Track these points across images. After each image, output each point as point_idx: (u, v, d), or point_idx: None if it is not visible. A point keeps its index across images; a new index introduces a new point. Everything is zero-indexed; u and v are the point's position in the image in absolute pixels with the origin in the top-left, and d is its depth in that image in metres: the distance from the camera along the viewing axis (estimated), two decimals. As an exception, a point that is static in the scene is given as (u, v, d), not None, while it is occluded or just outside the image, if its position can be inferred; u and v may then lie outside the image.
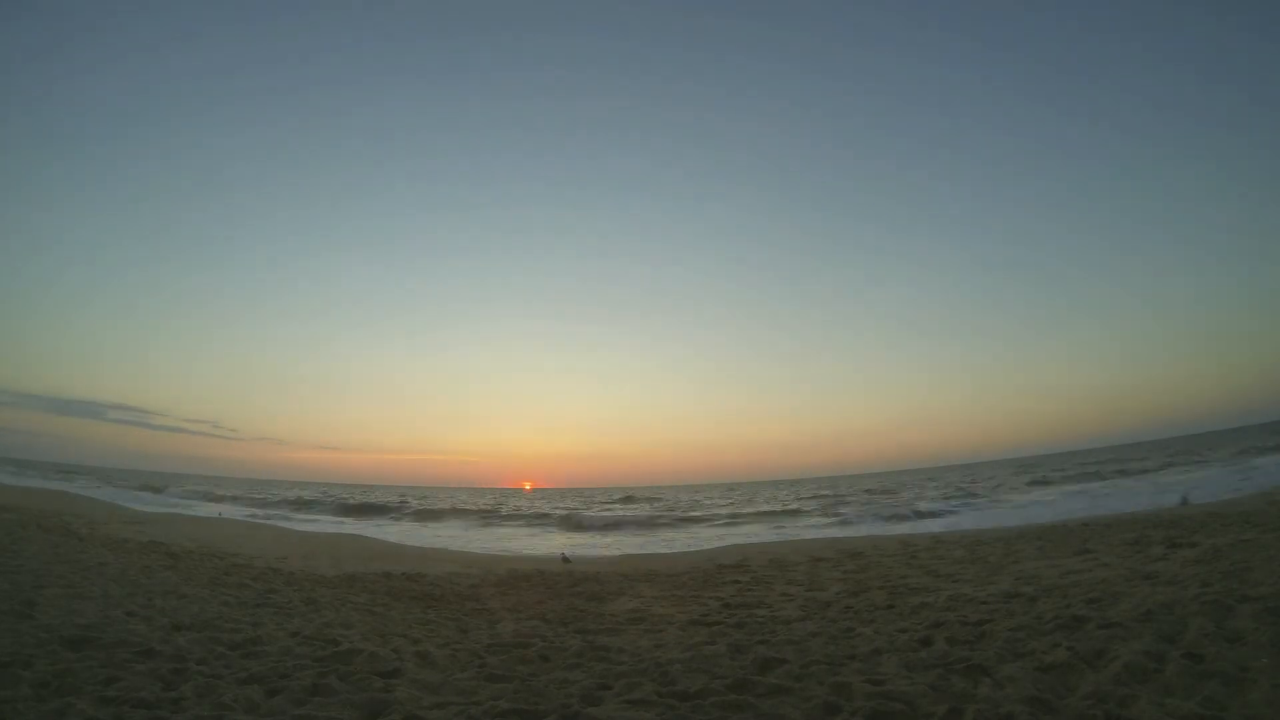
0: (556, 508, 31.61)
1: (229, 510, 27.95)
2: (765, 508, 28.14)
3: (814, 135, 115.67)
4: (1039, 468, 48.11)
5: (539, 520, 25.24)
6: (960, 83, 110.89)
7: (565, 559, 12.00)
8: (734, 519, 23.40)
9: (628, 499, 42.73)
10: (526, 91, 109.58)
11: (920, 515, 20.46)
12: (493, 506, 34.00)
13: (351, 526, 22.97)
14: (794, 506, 27.61)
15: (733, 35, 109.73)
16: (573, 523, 23.95)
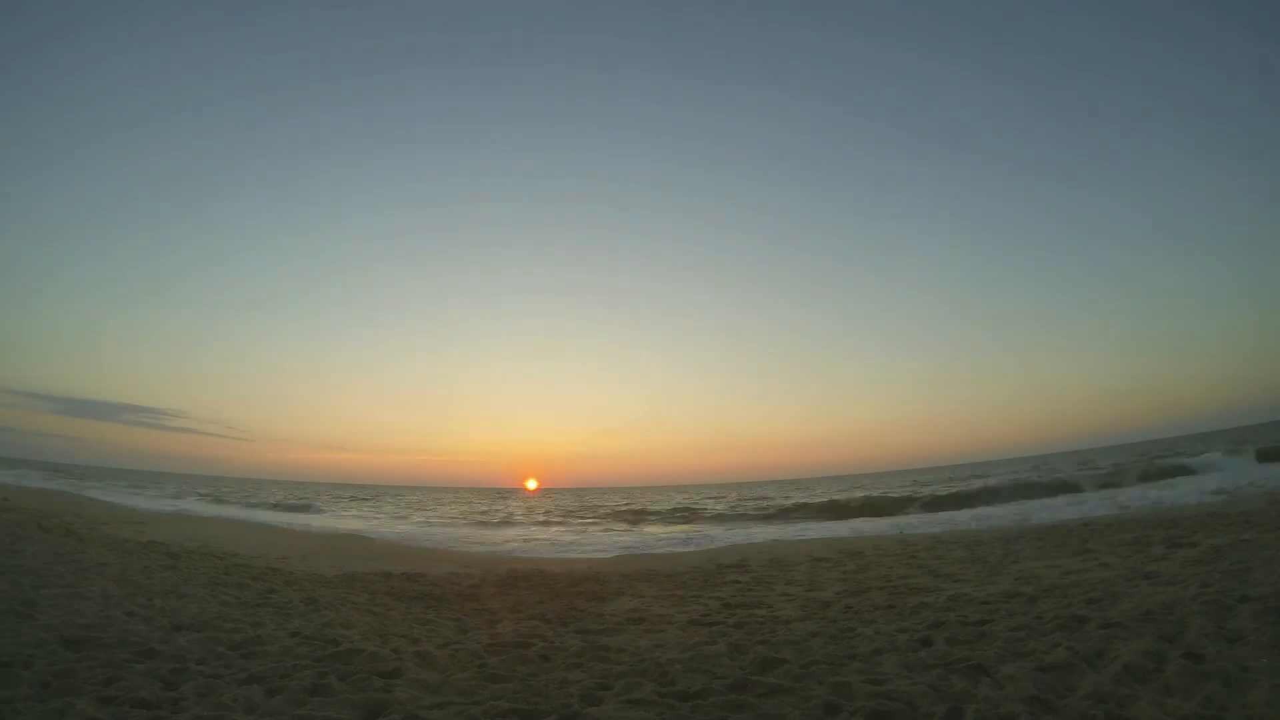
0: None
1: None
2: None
3: (819, 136, 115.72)
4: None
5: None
6: (966, 83, 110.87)
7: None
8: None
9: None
10: (531, 88, 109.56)
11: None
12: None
13: (353, 525, 22.98)
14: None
15: (743, 35, 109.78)
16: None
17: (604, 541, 17.76)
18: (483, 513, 31.49)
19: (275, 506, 30.10)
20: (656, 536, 18.78)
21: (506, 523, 25.78)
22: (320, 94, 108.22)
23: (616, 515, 28.28)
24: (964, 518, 17.14)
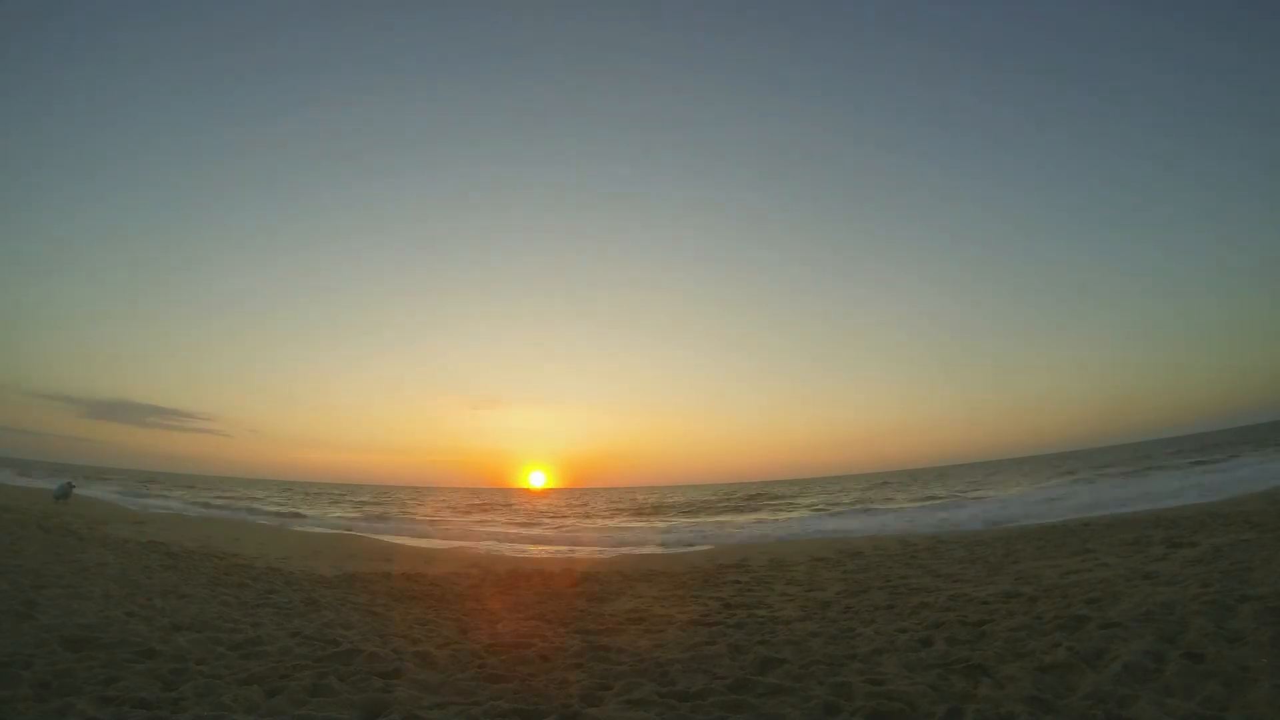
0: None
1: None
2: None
3: (827, 147, 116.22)
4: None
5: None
6: (961, 91, 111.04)
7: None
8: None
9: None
10: (535, 96, 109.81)
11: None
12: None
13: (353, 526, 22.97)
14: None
15: (740, 46, 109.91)
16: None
17: (605, 541, 17.75)
18: (487, 512, 31.48)
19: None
20: (656, 536, 18.79)
21: (508, 522, 25.79)
22: (327, 114, 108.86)
23: (619, 515, 28.38)
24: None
